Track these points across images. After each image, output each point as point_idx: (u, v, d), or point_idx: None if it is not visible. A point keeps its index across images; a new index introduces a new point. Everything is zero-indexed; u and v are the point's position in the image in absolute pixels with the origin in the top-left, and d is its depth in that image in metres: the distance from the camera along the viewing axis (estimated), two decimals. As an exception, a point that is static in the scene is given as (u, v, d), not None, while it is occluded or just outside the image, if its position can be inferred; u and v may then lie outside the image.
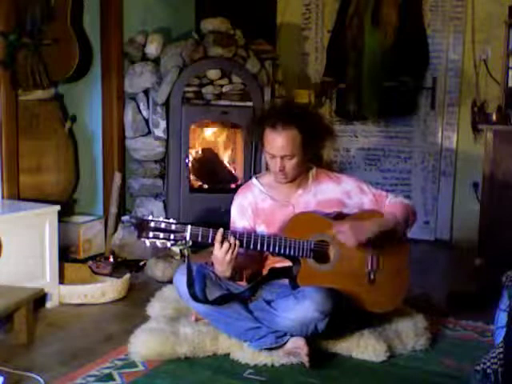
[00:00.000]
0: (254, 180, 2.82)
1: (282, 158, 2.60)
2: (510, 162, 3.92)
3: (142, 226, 2.44)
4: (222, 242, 2.49)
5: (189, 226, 2.48)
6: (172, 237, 2.45)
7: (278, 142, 2.59)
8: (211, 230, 2.50)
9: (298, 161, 2.62)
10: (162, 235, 2.44)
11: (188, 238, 2.47)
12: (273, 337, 2.57)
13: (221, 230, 2.51)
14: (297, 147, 2.59)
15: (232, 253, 2.50)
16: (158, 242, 2.44)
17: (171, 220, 2.48)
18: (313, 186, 2.75)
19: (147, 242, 2.45)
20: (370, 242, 2.59)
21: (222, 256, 2.50)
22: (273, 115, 2.63)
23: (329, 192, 2.75)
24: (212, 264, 2.62)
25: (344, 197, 2.74)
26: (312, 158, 2.75)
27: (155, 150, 4.25)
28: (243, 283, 2.72)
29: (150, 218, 2.46)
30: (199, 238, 2.49)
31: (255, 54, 4.46)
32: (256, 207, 2.74)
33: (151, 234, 2.43)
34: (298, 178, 2.72)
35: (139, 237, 2.45)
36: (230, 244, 2.49)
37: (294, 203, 2.72)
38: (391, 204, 2.74)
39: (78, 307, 3.23)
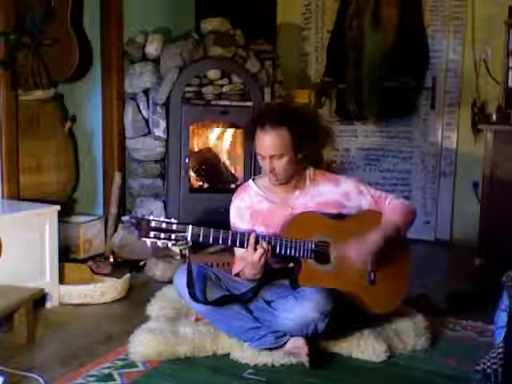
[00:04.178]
0: (250, 182, 2.82)
1: (271, 158, 2.59)
2: (510, 162, 3.92)
3: (142, 226, 2.44)
4: (255, 247, 2.50)
5: (190, 226, 2.48)
6: (173, 237, 2.45)
7: (265, 142, 2.59)
8: (212, 229, 2.51)
9: (288, 161, 2.61)
10: (162, 235, 2.44)
11: (189, 238, 2.47)
12: (273, 337, 2.57)
13: (254, 234, 2.52)
14: (285, 147, 2.58)
15: (266, 256, 2.51)
16: (159, 242, 2.45)
17: (172, 220, 2.48)
18: (310, 187, 2.74)
19: (148, 242, 2.45)
20: (375, 253, 2.59)
21: (257, 260, 2.50)
22: (264, 116, 2.64)
23: (327, 194, 2.74)
24: (212, 265, 2.62)
25: (343, 199, 2.74)
26: (308, 159, 2.74)
27: (155, 150, 4.25)
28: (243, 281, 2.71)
29: (151, 217, 2.46)
30: (200, 238, 2.49)
31: (255, 54, 4.45)
32: (253, 209, 2.74)
33: (152, 234, 2.44)
34: (294, 179, 2.71)
35: (140, 236, 2.45)
36: (263, 248, 2.50)
37: (291, 205, 2.71)
38: (391, 206, 2.73)
39: (78, 307, 3.23)
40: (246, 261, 2.56)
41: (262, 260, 2.51)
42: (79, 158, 4.08)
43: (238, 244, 2.54)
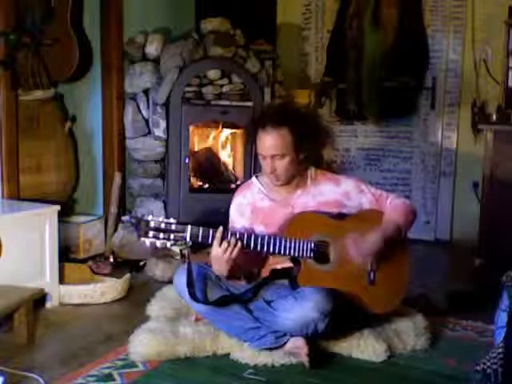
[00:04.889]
0: (253, 179, 2.82)
1: (272, 158, 2.60)
2: (510, 162, 3.92)
3: (141, 226, 2.44)
4: (221, 241, 2.49)
5: (189, 226, 2.48)
6: (172, 237, 2.45)
7: (266, 142, 2.59)
8: (211, 229, 2.51)
9: (290, 161, 2.61)
10: (161, 235, 2.44)
11: (188, 239, 2.47)
12: (273, 337, 2.57)
13: (220, 229, 2.51)
14: (287, 147, 2.59)
15: (230, 253, 2.50)
16: (158, 242, 2.45)
17: (171, 220, 2.48)
18: (312, 186, 2.75)
19: (147, 242, 2.45)
20: (375, 253, 2.59)
21: (219, 255, 2.50)
22: (265, 116, 2.64)
23: (328, 193, 2.74)
24: (210, 264, 2.62)
25: (343, 198, 2.74)
26: (309, 159, 2.74)
27: (155, 150, 4.25)
28: (241, 282, 2.71)
29: (150, 217, 2.46)
30: (199, 238, 2.49)
31: (255, 54, 4.46)
32: (255, 207, 2.74)
33: (151, 234, 2.44)
34: (295, 179, 2.71)
35: (139, 236, 2.45)
36: (229, 243, 2.49)
37: (292, 204, 2.71)
38: (392, 205, 2.73)
39: (78, 307, 3.23)
40: (211, 255, 2.56)
41: (226, 255, 2.49)
42: (79, 158, 4.08)
43: (209, 240, 2.50)
